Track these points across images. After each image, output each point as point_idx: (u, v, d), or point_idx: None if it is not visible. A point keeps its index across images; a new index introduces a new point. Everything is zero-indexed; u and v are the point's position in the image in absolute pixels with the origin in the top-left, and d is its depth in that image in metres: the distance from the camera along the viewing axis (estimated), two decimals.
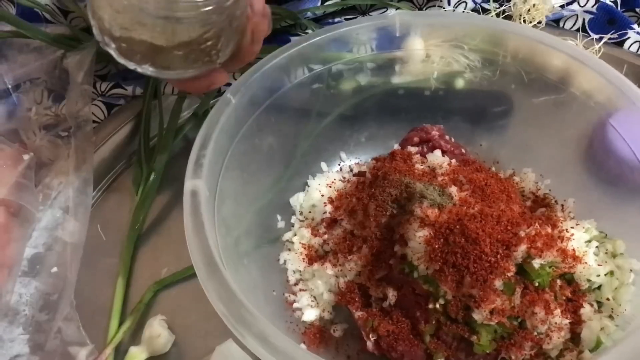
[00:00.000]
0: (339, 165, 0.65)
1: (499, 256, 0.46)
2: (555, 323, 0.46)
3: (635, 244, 0.51)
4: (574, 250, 0.49)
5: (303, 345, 0.51)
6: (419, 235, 0.48)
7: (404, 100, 0.65)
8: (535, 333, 0.47)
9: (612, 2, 0.78)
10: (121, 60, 0.47)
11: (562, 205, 0.57)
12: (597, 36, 0.74)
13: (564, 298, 0.48)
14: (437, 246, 0.47)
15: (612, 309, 0.49)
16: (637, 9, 0.78)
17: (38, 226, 0.61)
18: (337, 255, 0.54)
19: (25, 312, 0.56)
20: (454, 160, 0.58)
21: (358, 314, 0.51)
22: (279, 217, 0.60)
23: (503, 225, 0.48)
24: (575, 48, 0.59)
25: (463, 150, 0.61)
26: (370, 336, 0.49)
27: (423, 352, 0.48)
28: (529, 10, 0.76)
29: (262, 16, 0.51)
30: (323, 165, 0.64)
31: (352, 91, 0.64)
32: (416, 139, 0.60)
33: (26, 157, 0.62)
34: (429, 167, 0.57)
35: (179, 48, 0.45)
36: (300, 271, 0.56)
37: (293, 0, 0.77)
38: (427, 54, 0.62)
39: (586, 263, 0.49)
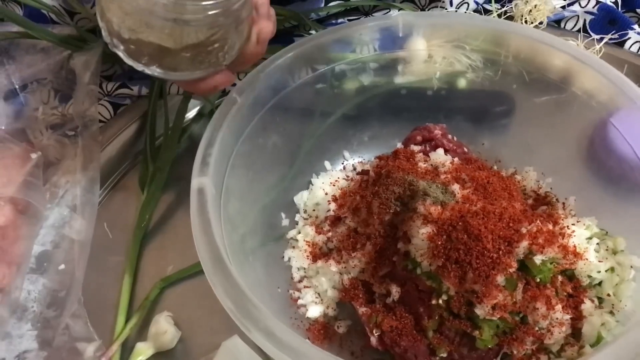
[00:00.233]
0: (343, 164, 0.65)
1: (501, 252, 0.46)
2: (557, 318, 0.47)
3: (635, 241, 0.52)
4: (574, 246, 0.50)
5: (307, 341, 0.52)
6: (422, 232, 0.48)
7: (406, 100, 0.65)
8: (536, 328, 0.47)
9: (612, 2, 0.78)
10: (129, 62, 0.47)
11: (564, 203, 0.58)
12: (597, 36, 0.75)
13: (565, 294, 0.48)
14: (440, 243, 0.47)
15: (613, 304, 0.49)
16: (638, 10, 0.78)
17: (45, 224, 0.62)
18: (341, 252, 0.55)
19: (34, 308, 0.57)
20: (456, 159, 0.58)
21: (362, 310, 0.51)
22: (283, 215, 0.60)
23: (505, 222, 0.48)
24: (577, 48, 0.59)
25: (465, 149, 0.62)
26: (374, 332, 0.49)
27: (426, 347, 0.48)
28: (530, 11, 0.77)
29: (267, 18, 0.51)
30: (327, 164, 0.64)
31: (355, 91, 0.64)
32: (419, 138, 0.60)
33: (34, 156, 0.62)
34: (431, 165, 0.57)
35: (186, 50, 0.45)
36: (304, 268, 0.57)
37: (297, 1, 0.77)
38: (430, 54, 0.63)
39: (587, 259, 0.49)
